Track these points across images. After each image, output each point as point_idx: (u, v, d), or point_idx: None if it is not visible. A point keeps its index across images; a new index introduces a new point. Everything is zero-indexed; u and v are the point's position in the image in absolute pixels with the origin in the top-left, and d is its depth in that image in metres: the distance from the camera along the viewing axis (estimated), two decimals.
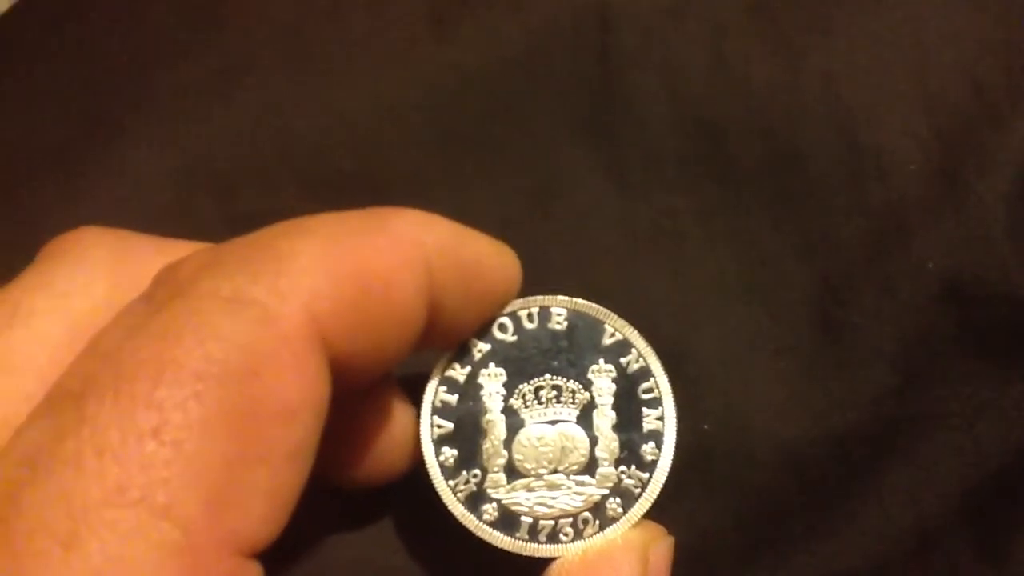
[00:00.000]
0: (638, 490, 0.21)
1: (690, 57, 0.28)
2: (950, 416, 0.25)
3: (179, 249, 0.19)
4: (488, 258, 0.20)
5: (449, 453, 0.21)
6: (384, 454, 0.22)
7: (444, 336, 0.20)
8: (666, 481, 0.21)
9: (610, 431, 0.21)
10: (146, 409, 0.14)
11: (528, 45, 0.28)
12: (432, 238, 0.18)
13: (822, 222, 0.26)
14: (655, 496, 0.21)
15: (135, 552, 0.14)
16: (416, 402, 0.21)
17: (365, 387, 0.20)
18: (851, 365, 0.25)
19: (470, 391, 0.21)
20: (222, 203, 0.27)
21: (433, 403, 0.21)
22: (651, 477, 0.21)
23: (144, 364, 0.15)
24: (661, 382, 0.21)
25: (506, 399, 0.21)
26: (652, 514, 0.21)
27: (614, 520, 0.20)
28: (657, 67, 0.28)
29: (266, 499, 0.16)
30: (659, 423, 0.21)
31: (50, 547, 0.14)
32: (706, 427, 0.25)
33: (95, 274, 0.19)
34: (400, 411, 0.22)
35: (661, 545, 0.20)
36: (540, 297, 0.21)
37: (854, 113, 0.27)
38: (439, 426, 0.21)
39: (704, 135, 0.27)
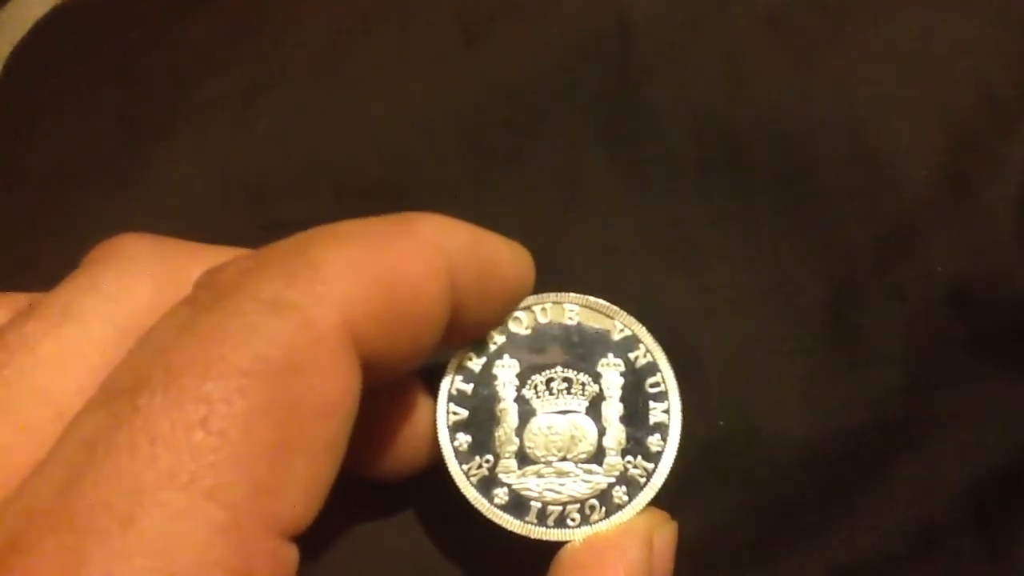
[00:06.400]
0: (643, 479, 0.21)
1: (707, 69, 0.29)
2: (957, 416, 0.25)
3: (217, 255, 0.20)
4: (504, 258, 0.21)
5: (463, 439, 0.21)
6: (408, 446, 0.22)
7: (464, 333, 0.21)
8: (680, 475, 0.21)
9: (618, 422, 0.22)
10: (195, 401, 0.15)
11: (551, 59, 0.29)
12: (453, 242, 0.19)
13: (835, 228, 0.27)
14: (659, 486, 0.21)
15: (185, 530, 0.15)
16: (434, 391, 0.22)
17: (390, 384, 0.21)
18: (861, 366, 0.26)
19: (485, 380, 0.22)
20: (258, 210, 0.28)
21: (450, 391, 0.22)
22: (656, 468, 0.21)
23: (192, 360, 0.16)
24: (667, 377, 0.22)
25: (519, 389, 0.22)
26: (665, 507, 0.22)
27: (620, 507, 0.21)
28: (675, 78, 0.29)
29: (303, 486, 0.16)
30: (665, 416, 0.22)
31: (109, 524, 0.14)
32: (722, 424, 0.26)
33: (139, 278, 0.19)
34: (422, 405, 0.22)
35: (665, 530, 0.21)
36: (554, 294, 0.22)
37: (866, 122, 0.27)
38: (455, 413, 0.22)
39: (720, 144, 0.28)
